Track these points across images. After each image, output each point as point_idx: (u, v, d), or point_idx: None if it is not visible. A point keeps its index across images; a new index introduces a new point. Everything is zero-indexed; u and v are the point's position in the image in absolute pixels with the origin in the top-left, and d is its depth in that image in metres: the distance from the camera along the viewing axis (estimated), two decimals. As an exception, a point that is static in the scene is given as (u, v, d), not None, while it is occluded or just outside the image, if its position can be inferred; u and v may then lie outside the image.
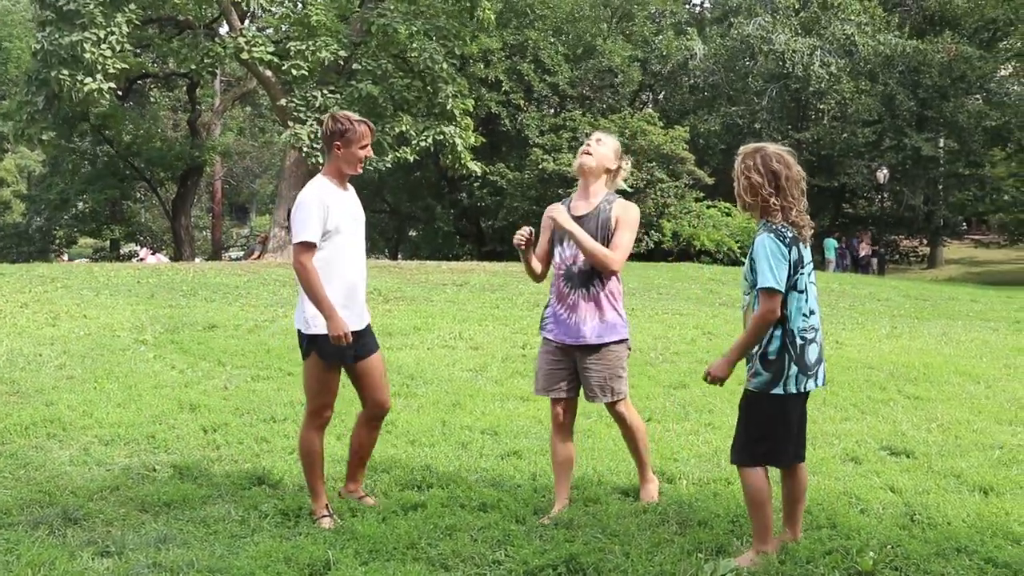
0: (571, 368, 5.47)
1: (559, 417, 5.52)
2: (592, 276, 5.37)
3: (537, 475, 6.06)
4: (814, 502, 5.49)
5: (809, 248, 4.68)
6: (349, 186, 5.45)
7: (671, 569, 4.46)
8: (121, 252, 47.64)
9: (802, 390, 4.62)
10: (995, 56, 43.93)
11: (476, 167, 27.72)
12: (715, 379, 4.62)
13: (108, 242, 47.75)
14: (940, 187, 44.94)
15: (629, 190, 5.29)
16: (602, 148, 5.50)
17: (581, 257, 5.34)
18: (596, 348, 5.38)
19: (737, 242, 30.30)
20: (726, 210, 32.52)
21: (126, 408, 7.67)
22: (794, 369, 4.57)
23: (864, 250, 39.48)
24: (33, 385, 8.44)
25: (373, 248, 49.12)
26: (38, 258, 36.63)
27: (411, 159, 26.80)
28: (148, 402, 7.89)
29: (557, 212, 5.41)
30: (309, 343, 5.23)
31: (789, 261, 4.51)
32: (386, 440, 6.89)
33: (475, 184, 35.68)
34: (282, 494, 5.64)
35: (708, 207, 32.91)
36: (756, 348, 4.61)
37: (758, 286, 4.51)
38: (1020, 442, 7.19)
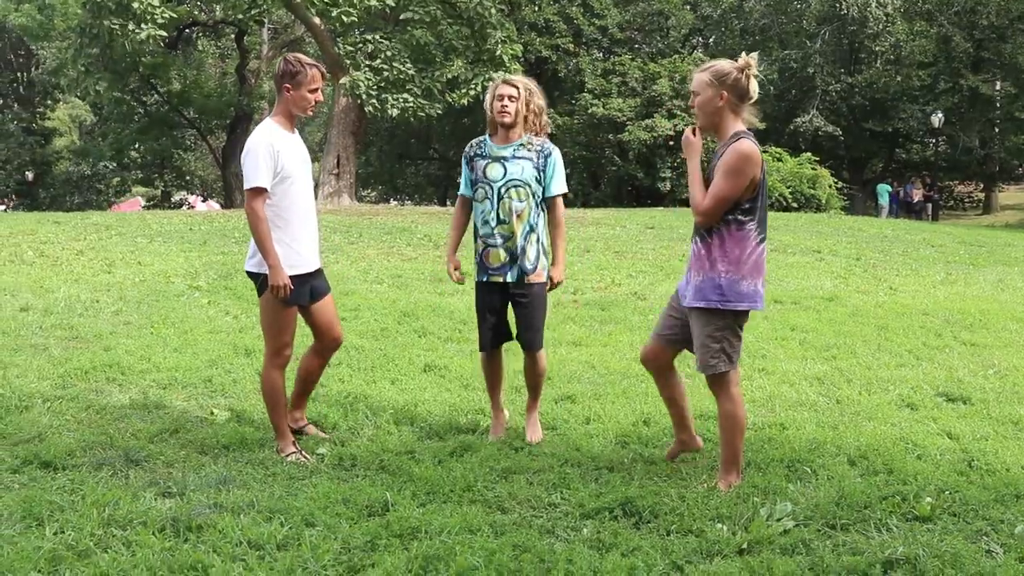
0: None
1: None
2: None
3: (591, 419, 6.07)
4: (870, 447, 5.46)
5: None
6: (295, 130, 5.44)
7: (727, 512, 4.46)
8: (172, 200, 48.12)
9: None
10: (1055, -6, 42.84)
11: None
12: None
13: (160, 191, 48.27)
14: (996, 131, 44.05)
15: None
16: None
17: None
18: None
19: (788, 187, 29.92)
20: (777, 155, 32.15)
21: (182, 353, 7.77)
22: None
23: (917, 196, 38.91)
24: (91, 330, 8.56)
25: (422, 195, 49.13)
26: (93, 207, 37.09)
27: (465, 103, 26.69)
28: (204, 347, 7.98)
29: None
30: (264, 283, 5.25)
31: None
32: (440, 384, 6.94)
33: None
34: (339, 437, 5.70)
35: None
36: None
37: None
38: (1080, 388, 7.10)
